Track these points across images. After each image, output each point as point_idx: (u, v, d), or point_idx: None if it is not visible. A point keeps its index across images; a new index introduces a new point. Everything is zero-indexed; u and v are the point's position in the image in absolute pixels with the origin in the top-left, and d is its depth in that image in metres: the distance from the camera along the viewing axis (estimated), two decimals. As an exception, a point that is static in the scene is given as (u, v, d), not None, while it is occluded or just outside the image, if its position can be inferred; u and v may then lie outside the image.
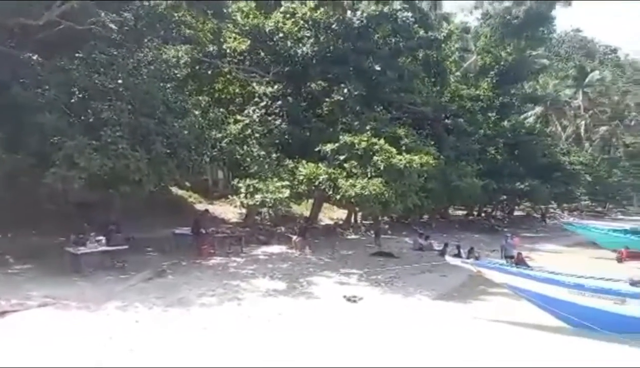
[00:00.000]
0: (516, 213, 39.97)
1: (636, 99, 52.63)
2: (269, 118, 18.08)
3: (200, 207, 21.09)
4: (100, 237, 12.65)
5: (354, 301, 11.49)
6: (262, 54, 18.59)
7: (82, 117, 12.06)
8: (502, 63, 29.61)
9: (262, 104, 18.43)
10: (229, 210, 21.80)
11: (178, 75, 15.58)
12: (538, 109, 40.95)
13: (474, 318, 10.70)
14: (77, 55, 12.47)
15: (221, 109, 16.49)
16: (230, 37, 18.43)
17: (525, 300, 10.66)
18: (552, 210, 43.68)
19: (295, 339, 8.62)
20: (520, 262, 16.31)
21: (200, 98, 16.03)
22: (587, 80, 46.31)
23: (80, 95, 12.19)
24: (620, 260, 19.79)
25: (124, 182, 11.87)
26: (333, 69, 18.28)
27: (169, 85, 13.95)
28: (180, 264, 13.95)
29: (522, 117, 36.54)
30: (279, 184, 14.34)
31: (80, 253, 12.14)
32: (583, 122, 46.43)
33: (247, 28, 17.86)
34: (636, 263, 17.54)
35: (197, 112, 14.35)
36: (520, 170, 29.46)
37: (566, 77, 46.46)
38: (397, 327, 9.69)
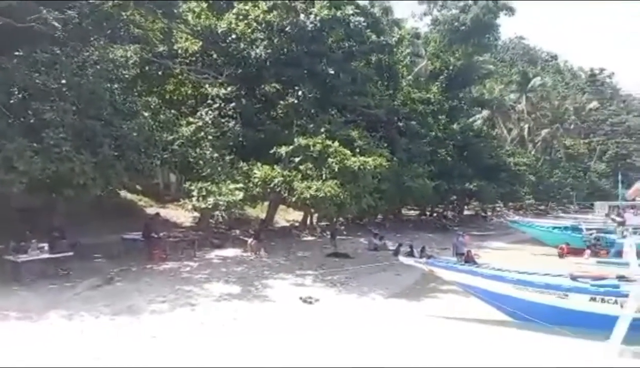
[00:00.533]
0: (466, 212, 41.37)
1: (574, 104, 55.86)
2: (222, 120, 17.82)
3: (151, 210, 20.48)
4: (43, 244, 12.03)
5: (310, 302, 11.51)
6: (215, 55, 18.32)
7: (22, 118, 11.43)
8: (451, 68, 30.67)
9: (215, 105, 18.14)
10: (181, 214, 21.29)
11: (126, 75, 15.06)
12: (485, 113, 42.66)
13: (426, 316, 10.99)
14: (16, 53, 11.81)
15: (172, 111, 16.11)
16: (181, 38, 18.05)
17: (474, 297, 11.06)
18: (498, 209, 45.62)
19: (250, 343, 8.53)
20: (469, 259, 16.88)
21: (150, 99, 15.59)
22: (529, 85, 48.72)
23: (20, 95, 11.55)
24: (561, 255, 20.89)
25: (68, 186, 11.34)
26: (287, 72, 18.28)
27: (116, 86, 13.47)
28: (129, 270, 13.48)
29: (470, 120, 37.96)
30: (232, 186, 14.16)
31: (21, 261, 11.49)
32: (526, 125, 48.79)
33: (198, 29, 17.56)
34: (576, 259, 18.59)
35: (146, 114, 13.94)
36: (469, 171, 30.59)
37: (510, 83, 48.70)
38: (351, 327, 9.80)
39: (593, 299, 9.59)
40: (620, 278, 10.15)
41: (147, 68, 17.13)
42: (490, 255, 20.76)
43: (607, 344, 8.43)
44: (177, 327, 9.08)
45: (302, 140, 15.59)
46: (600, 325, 8.84)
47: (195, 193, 14.43)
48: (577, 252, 20.53)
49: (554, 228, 26.67)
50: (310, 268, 15.41)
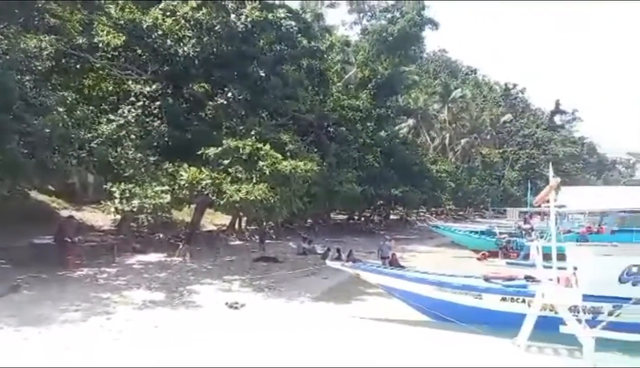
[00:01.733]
0: (391, 217, 42.79)
1: (490, 116, 59.81)
2: (147, 119, 17.03)
3: (66, 213, 19.11)
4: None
5: (236, 308, 11.31)
6: (139, 51, 17.49)
7: None
8: (379, 77, 31.61)
9: (139, 103, 17.27)
10: (99, 217, 20.06)
11: (40, 67, 13.97)
12: (410, 121, 44.47)
13: (351, 317, 11.21)
14: None
15: (91, 107, 15.14)
16: (103, 31, 17.04)
17: (396, 299, 11.45)
18: (422, 214, 47.70)
19: (171, 351, 8.20)
20: (394, 262, 17.47)
21: (67, 94, 14.54)
22: (451, 96, 51.50)
23: None
24: (481, 259, 22.20)
25: (-31, 186, 10.30)
26: (216, 72, 17.86)
27: (28, 78, 12.44)
28: (39, 277, 12.47)
29: (396, 128, 39.35)
30: (158, 188, 13.57)
31: None
32: (448, 134, 51.50)
33: (122, 22, 16.67)
34: (493, 260, 19.87)
35: (62, 109, 12.98)
36: (395, 177, 31.66)
37: (434, 93, 51.15)
38: (277, 331, 9.75)
39: (504, 299, 10.27)
40: (528, 278, 10.96)
41: (63, 61, 15.97)
42: (414, 258, 21.63)
43: (515, 341, 9.07)
44: (91, 338, 8.52)
45: (231, 142, 15.28)
46: (510, 323, 9.49)
47: (117, 195, 13.64)
48: (495, 254, 21.97)
49: (471, 232, 28.38)
50: (238, 273, 15.16)
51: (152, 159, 15.10)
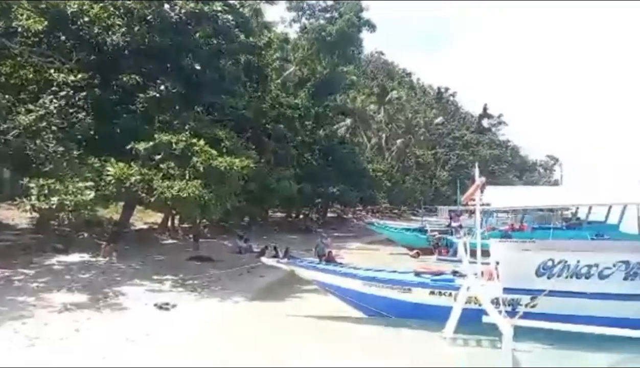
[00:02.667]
0: (329, 215, 43.20)
1: (424, 118, 62.05)
2: (71, 110, 15.97)
3: (-22, 211, 17.57)
4: None
5: (167, 308, 10.93)
6: (63, 37, 16.38)
7: None
8: (318, 76, 31.78)
9: (62, 93, 16.13)
10: (17, 215, 18.60)
11: (-54, 50, 12.68)
12: (348, 121, 45.08)
13: (286, 316, 11.18)
14: None
15: (7, 96, 13.96)
16: (22, 14, 15.77)
17: (331, 295, 11.56)
18: (358, 212, 48.61)
19: (93, 356, 7.75)
20: (330, 259, 17.63)
21: (-22, 81, 13.33)
22: (387, 98, 52.81)
23: None
24: (415, 256, 22.91)
25: None
26: (148, 63, 17.11)
27: None
28: (-57, 281, 11.37)
29: (335, 127, 39.78)
30: (81, 184, 12.74)
31: None
32: (384, 135, 52.79)
33: (44, 6, 15.52)
34: (427, 257, 20.57)
35: (-28, 97, 11.87)
36: (333, 175, 32.02)
37: (371, 94, 52.21)
38: (209, 331, 9.53)
39: (432, 293, 10.67)
40: (455, 273, 11.47)
41: (-25, 45, 14.63)
42: (351, 255, 21.96)
43: (442, 332, 9.45)
44: (2, 345, 7.86)
45: (163, 137, 14.69)
46: (439, 316, 9.87)
47: (34, 191, 12.66)
48: (429, 251, 22.72)
49: (405, 229, 29.31)
50: (169, 273, 14.63)
51: (75, 152, 14.16)
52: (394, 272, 12.14)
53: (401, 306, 10.63)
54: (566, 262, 9.98)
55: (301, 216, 39.01)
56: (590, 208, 22.13)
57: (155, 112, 17.17)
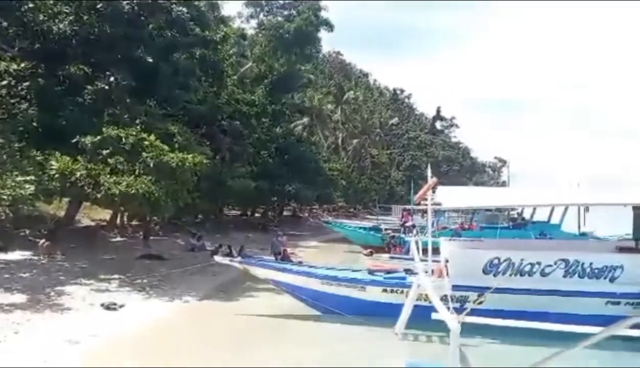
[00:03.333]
0: (285, 213, 43.08)
1: (380, 118, 63.05)
2: (12, 100, 15.10)
3: None
4: None
5: (114, 308, 10.53)
6: (5, 23, 15.45)
7: None
8: (275, 73, 31.58)
9: (4, 82, 15.24)
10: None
11: None
12: (305, 119, 45.10)
13: (236, 314, 11.04)
14: None
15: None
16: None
17: (285, 293, 11.52)
18: (314, 210, 48.77)
19: (33, 359, 7.35)
20: (285, 258, 17.58)
21: None
22: (344, 98, 53.23)
23: None
24: (369, 254, 23.18)
25: None
26: (98, 54, 16.42)
27: None
28: None
29: (292, 125, 39.69)
30: (20, 178, 12.03)
31: None
32: (341, 134, 53.16)
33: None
34: (380, 255, 20.88)
35: None
36: (289, 173, 31.93)
37: (328, 94, 52.47)
38: (157, 332, 9.27)
39: (385, 290, 10.85)
40: (407, 271, 11.70)
41: None
42: (306, 253, 22.02)
43: (394, 329, 9.62)
44: None
45: (112, 131, 14.14)
46: (392, 313, 10.03)
47: (-33, 185, 11.85)
48: (382, 250, 23.06)
49: (360, 228, 29.67)
50: (117, 272, 14.10)
51: (16, 145, 13.39)
52: (349, 270, 12.25)
53: (356, 304, 10.73)
54: (511, 260, 10.40)
55: (257, 214, 38.69)
56: (534, 209, 23.20)
57: (104, 105, 16.51)
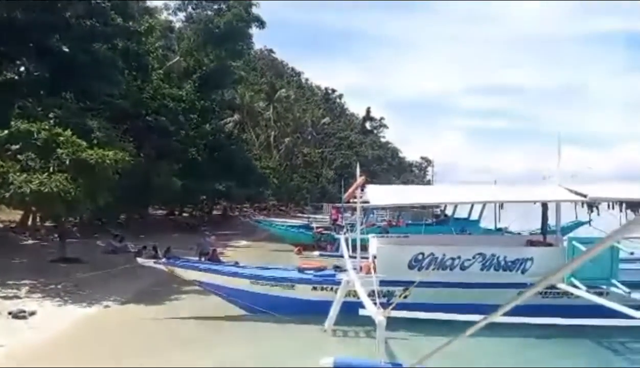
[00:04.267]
0: (215, 212, 42.11)
1: (312, 117, 63.49)
2: None
3: None
4: None
5: (23, 317, 9.71)
6: None
7: None
8: (204, 68, 30.71)
9: None
10: None
11: None
12: (236, 117, 44.35)
13: (163, 318, 10.61)
14: None
15: None
16: None
17: (213, 295, 11.24)
18: (245, 209, 48.14)
19: None
20: (214, 258, 17.11)
21: None
22: (276, 96, 53.00)
23: None
24: (298, 252, 23.22)
25: None
26: (7, 42, 15.07)
27: None
28: None
29: (222, 122, 38.86)
30: None
31: None
32: (273, 133, 52.88)
33: None
34: (310, 253, 20.97)
35: None
36: (219, 171, 31.22)
37: (260, 91, 51.97)
38: (71, 340, 8.67)
39: (315, 288, 10.91)
40: (336, 268, 11.86)
41: None
42: (236, 253, 21.63)
43: (323, 326, 9.70)
44: None
45: (22, 125, 13.03)
46: (322, 310, 10.09)
47: None
48: (312, 247, 23.18)
49: (290, 226, 29.69)
50: (28, 277, 13.05)
51: None
52: (278, 269, 12.19)
53: (286, 303, 10.70)
54: (434, 255, 10.87)
55: (185, 214, 37.46)
56: (455, 206, 24.44)
57: (13, 97, 15.19)
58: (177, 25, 33.46)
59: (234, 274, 11.13)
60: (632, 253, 12.66)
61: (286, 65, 75.74)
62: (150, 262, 11.89)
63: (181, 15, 33.14)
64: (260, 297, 10.79)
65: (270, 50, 68.16)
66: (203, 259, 16.45)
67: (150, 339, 9.16)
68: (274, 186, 44.73)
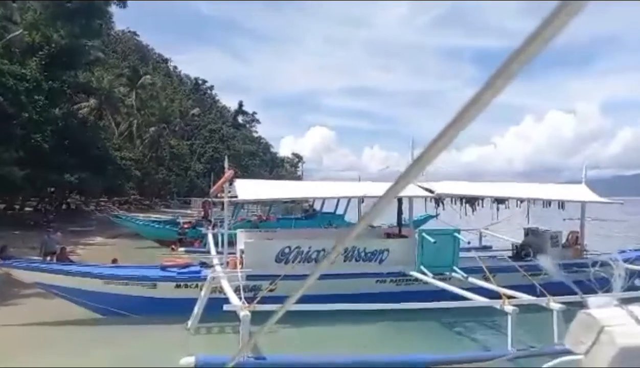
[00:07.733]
0: (68, 206, 37.93)
1: (180, 107, 60.70)
2: None
3: None
4: None
5: None
6: None
7: None
8: (53, 45, 27.34)
9: None
10: None
11: None
12: (92, 102, 40.43)
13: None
14: None
15: None
16: None
17: (59, 297, 10.08)
18: (103, 203, 44.17)
19: None
20: (63, 257, 15.37)
21: None
22: (140, 82, 49.52)
23: None
24: (173, 249, 21.88)
25: None
26: None
27: None
28: None
29: (75, 106, 35.12)
30: None
31: None
32: (135, 121, 49.30)
33: None
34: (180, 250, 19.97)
35: None
36: (71, 161, 28.14)
37: (121, 76, 48.07)
38: None
39: (178, 286, 10.41)
40: (202, 264, 11.47)
41: None
42: (90, 251, 19.78)
43: (186, 325, 9.31)
44: None
45: None
46: (186, 309, 9.65)
47: None
48: (187, 243, 22.00)
49: (154, 222, 28.02)
50: None
51: None
52: (140, 267, 11.38)
53: (146, 303, 10.02)
54: (300, 248, 11.13)
55: (29, 208, 33.06)
56: (323, 201, 25.38)
57: None
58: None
59: (84, 274, 10.09)
60: (469, 243, 14.42)
61: (152, 50, 71.41)
62: (-21, 265, 10.20)
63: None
64: (115, 298, 9.96)
65: (134, 33, 63.62)
66: (49, 259, 14.71)
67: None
68: (136, 179, 41.80)
